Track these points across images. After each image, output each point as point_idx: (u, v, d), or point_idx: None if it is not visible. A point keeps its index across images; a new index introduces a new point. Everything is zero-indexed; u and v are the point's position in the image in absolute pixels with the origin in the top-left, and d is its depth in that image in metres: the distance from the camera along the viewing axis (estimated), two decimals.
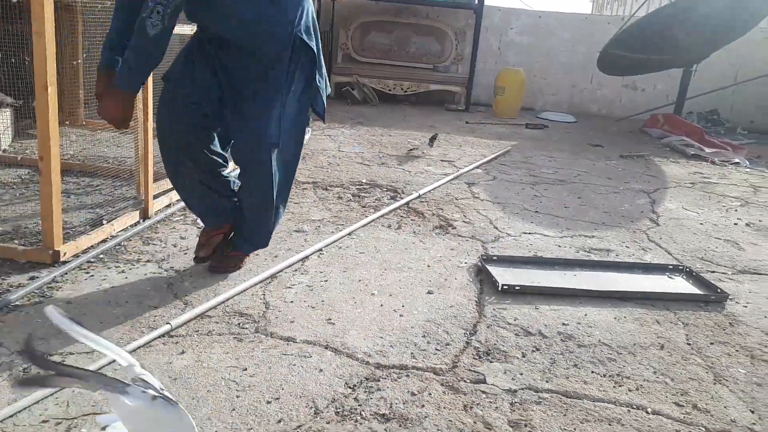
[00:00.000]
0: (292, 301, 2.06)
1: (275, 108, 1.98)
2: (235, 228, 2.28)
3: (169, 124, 2.04)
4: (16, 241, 2.32)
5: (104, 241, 2.40)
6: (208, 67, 2.00)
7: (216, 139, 2.13)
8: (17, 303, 1.88)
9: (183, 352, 1.70)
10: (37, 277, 2.04)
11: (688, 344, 2.00)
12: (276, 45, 1.95)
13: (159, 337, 1.76)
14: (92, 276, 2.12)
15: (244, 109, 2.01)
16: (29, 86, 2.18)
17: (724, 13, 5.88)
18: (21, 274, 2.08)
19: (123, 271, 2.18)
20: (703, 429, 1.57)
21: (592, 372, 1.78)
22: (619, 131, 6.68)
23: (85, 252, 2.28)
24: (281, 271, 2.30)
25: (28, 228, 2.48)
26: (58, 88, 2.13)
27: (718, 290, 2.38)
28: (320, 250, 2.54)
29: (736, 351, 1.98)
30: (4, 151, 3.63)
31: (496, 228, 3.03)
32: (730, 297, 2.36)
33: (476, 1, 7.13)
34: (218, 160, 2.15)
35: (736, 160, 5.26)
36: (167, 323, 1.81)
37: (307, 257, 2.45)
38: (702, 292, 2.40)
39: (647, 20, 6.32)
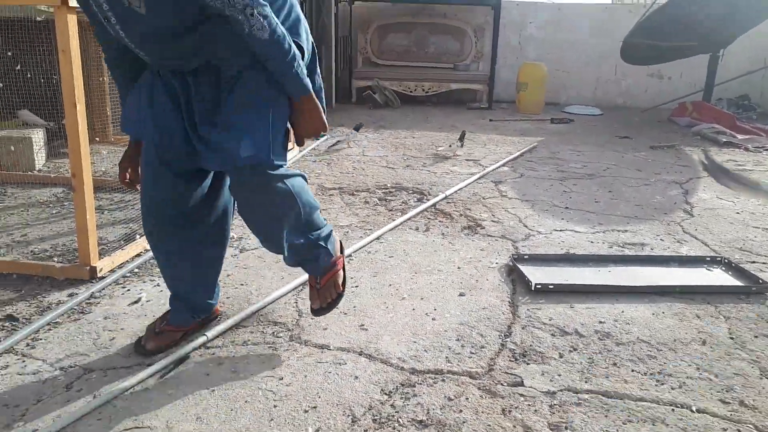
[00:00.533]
0: None
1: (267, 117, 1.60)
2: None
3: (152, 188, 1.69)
4: (54, 259, 2.38)
5: (138, 255, 2.44)
6: (169, 101, 1.60)
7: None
8: (58, 320, 1.92)
9: (220, 364, 1.71)
10: (76, 294, 2.08)
11: (731, 338, 1.95)
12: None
13: (196, 348, 1.77)
14: (128, 290, 2.16)
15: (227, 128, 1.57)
16: (59, 106, 2.22)
17: None
18: (60, 291, 2.12)
19: (158, 285, 2.21)
20: (752, 427, 1.52)
21: (633, 370, 1.74)
22: (646, 122, 6.56)
23: (120, 267, 2.32)
24: None
25: (65, 245, 2.54)
26: (86, 106, 2.17)
27: (760, 281, 2.31)
28: (349, 255, 2.54)
29: None
30: (39, 170, 3.72)
31: (526, 226, 2.99)
32: None
33: None
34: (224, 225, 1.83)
35: None
36: (203, 335, 1.82)
37: None
38: (743, 284, 2.33)
39: (669, 6, 6.19)
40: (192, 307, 1.84)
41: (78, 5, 1.54)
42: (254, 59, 1.53)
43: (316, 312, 1.85)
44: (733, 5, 5.79)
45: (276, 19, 1.47)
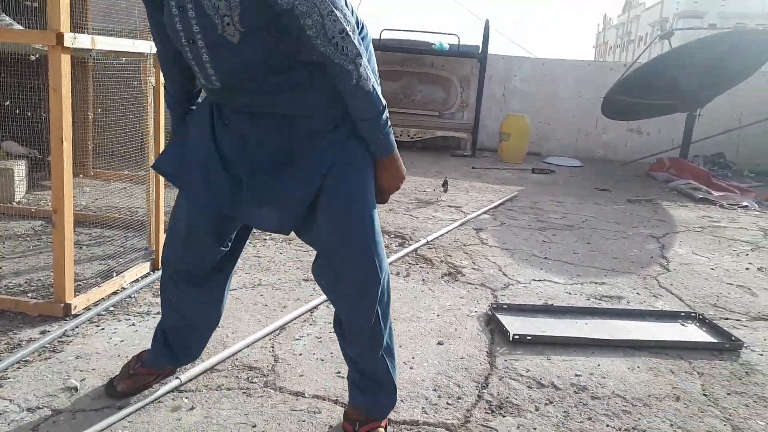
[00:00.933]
0: (300, 354, 2.05)
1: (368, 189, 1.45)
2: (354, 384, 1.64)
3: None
4: (29, 294, 2.34)
5: (115, 293, 2.41)
6: (220, 152, 1.46)
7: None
8: (27, 359, 1.88)
9: (192, 408, 1.68)
10: (48, 331, 2.04)
11: (704, 395, 1.96)
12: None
13: (168, 392, 1.74)
14: (103, 329, 2.13)
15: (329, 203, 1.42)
16: (45, 139, 2.23)
17: (725, 58, 5.99)
18: (32, 328, 2.08)
19: (133, 324, 2.18)
20: None
21: (607, 425, 1.75)
22: (625, 175, 6.71)
23: (96, 305, 2.29)
24: (290, 322, 2.29)
25: (40, 280, 2.50)
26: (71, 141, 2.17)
27: (733, 338, 2.35)
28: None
29: (754, 402, 1.94)
30: (18, 202, 3.69)
31: (506, 275, 3.02)
32: (745, 345, 2.33)
33: (480, 50, 7.29)
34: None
35: (745, 204, 5.25)
36: (176, 377, 1.80)
37: (315, 307, 2.45)
38: (716, 340, 2.36)
39: (649, 66, 6.44)
40: (178, 352, 1.77)
41: (150, 13, 1.42)
42: (347, 113, 1.39)
43: (116, 393, 1.68)
44: (712, 68, 6.03)
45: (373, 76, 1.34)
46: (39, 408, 1.63)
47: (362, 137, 1.41)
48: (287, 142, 1.42)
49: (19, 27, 2.81)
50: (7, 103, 3.19)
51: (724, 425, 1.79)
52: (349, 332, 1.55)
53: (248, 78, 1.33)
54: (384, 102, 1.37)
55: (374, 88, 1.34)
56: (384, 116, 1.38)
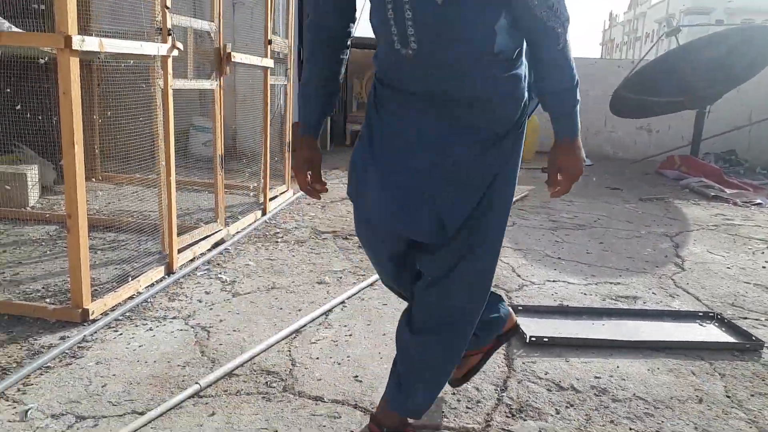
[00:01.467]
0: (317, 358, 2.05)
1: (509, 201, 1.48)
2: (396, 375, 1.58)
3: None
4: (46, 300, 2.35)
5: (131, 297, 2.42)
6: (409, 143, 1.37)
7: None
8: (49, 364, 1.88)
9: (213, 414, 1.68)
10: (68, 337, 2.05)
11: (728, 397, 1.94)
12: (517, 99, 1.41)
13: (189, 397, 1.74)
14: (121, 335, 2.13)
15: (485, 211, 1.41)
16: (56, 145, 2.23)
17: (733, 55, 5.95)
18: (52, 333, 2.09)
19: (150, 329, 2.18)
20: None
21: (630, 429, 1.73)
22: (635, 173, 6.67)
23: (112, 309, 2.29)
24: (305, 325, 2.29)
25: (57, 285, 2.51)
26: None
27: (753, 338, 2.32)
28: (343, 302, 2.53)
29: None
30: (33, 207, 3.70)
31: (519, 276, 3.00)
32: (765, 345, 2.30)
33: None
34: None
35: (759, 201, 5.21)
36: (196, 383, 1.79)
37: (330, 310, 2.44)
38: (736, 341, 2.34)
39: (657, 63, 6.41)
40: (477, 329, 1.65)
41: None
42: (520, 118, 1.40)
43: (455, 381, 1.79)
44: (720, 64, 5.99)
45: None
46: (63, 414, 1.63)
47: (520, 148, 1.45)
48: (457, 145, 1.35)
49: (18, 30, 2.80)
50: (18, 107, 3.19)
51: (750, 427, 1.77)
52: (435, 328, 1.50)
53: (443, 49, 1.26)
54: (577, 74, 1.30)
55: (572, 58, 1.28)
56: (578, 89, 1.31)
